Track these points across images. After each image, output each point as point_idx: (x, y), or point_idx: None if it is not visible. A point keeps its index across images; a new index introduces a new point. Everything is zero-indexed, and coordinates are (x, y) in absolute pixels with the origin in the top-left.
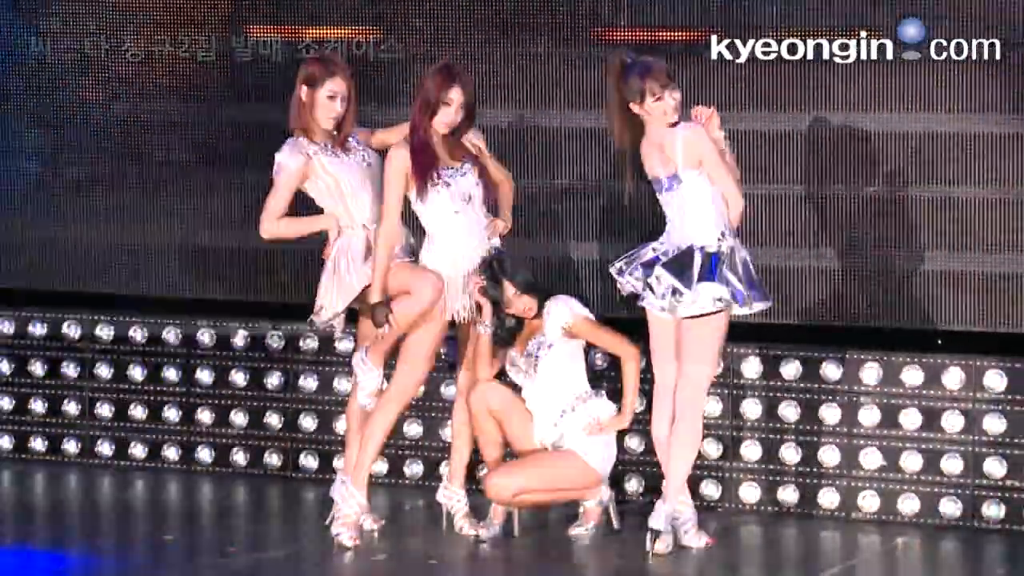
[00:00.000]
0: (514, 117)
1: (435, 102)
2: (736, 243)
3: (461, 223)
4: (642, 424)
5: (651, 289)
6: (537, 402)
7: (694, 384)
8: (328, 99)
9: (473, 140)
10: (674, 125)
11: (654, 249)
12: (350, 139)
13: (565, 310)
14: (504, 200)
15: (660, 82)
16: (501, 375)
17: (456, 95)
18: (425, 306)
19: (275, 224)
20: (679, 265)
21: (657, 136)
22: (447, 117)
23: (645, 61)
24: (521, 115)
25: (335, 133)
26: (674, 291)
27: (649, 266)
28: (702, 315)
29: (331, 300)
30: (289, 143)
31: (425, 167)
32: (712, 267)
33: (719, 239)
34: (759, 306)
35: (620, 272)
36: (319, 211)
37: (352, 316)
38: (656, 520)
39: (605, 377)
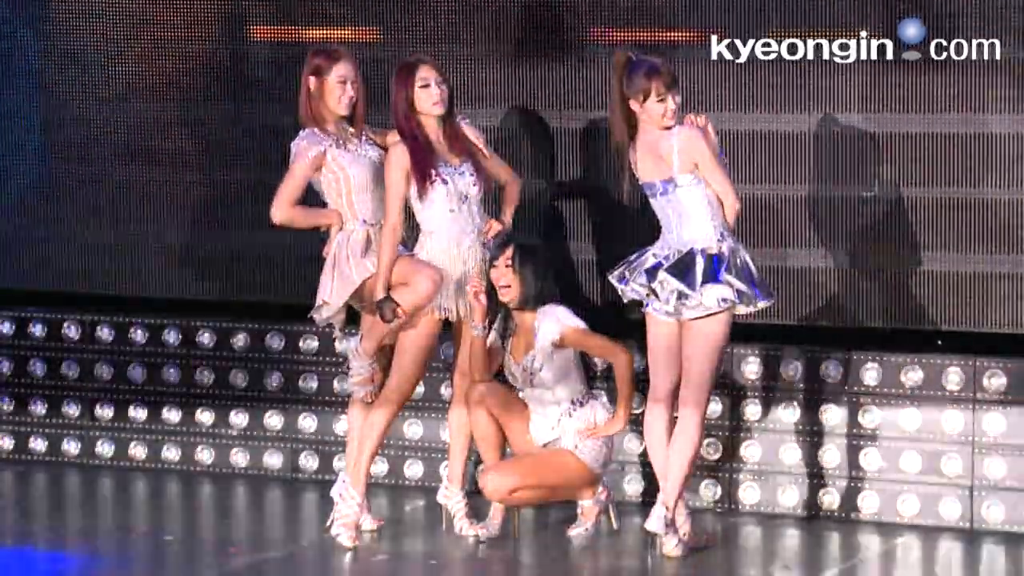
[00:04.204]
0: (513, 117)
1: (410, 89)
2: (736, 244)
3: (456, 222)
4: (641, 425)
5: (655, 295)
6: (535, 407)
7: (696, 386)
8: (339, 83)
9: (472, 139)
10: (668, 128)
11: (655, 255)
12: (360, 138)
13: (554, 325)
14: (508, 200)
15: (665, 83)
16: (499, 375)
17: (426, 72)
18: (422, 298)
19: (288, 210)
20: (682, 268)
21: (652, 138)
22: (431, 97)
23: (652, 61)
24: (520, 115)
25: (350, 121)
26: (679, 295)
27: (652, 272)
28: (707, 316)
29: (331, 294)
30: (306, 132)
31: (424, 165)
32: (715, 269)
33: (719, 240)
34: (763, 304)
35: (622, 279)
36: (323, 205)
37: (353, 317)
38: (653, 522)
39: (604, 378)
